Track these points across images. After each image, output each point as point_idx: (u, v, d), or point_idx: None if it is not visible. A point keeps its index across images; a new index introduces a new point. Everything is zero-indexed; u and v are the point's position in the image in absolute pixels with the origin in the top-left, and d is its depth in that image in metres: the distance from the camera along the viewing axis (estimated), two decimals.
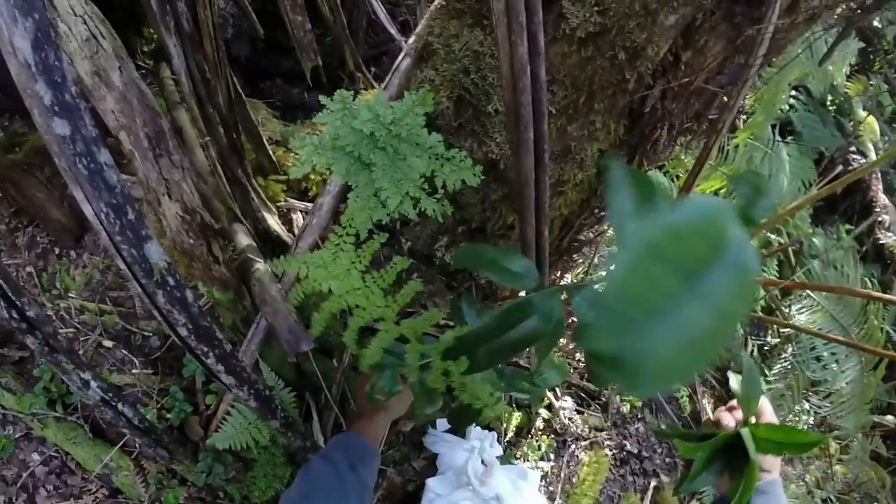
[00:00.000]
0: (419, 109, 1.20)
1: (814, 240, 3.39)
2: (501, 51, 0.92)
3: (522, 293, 0.95)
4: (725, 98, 1.30)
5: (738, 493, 1.05)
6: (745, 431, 1.09)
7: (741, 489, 1.05)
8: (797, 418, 3.19)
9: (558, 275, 1.65)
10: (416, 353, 0.99)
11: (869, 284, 3.71)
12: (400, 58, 1.47)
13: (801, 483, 3.35)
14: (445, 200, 1.18)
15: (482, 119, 1.23)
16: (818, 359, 2.49)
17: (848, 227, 4.14)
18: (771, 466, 1.14)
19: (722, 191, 2.22)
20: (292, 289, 1.07)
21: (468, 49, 1.20)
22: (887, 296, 2.11)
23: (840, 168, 4.17)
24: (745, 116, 2.24)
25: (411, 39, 1.47)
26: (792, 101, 4.42)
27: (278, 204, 1.67)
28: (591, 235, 1.48)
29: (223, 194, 1.45)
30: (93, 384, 1.31)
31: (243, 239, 1.49)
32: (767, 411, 1.19)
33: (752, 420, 1.14)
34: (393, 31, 2.19)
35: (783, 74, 2.11)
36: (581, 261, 1.59)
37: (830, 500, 3.50)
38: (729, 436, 1.12)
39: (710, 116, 1.30)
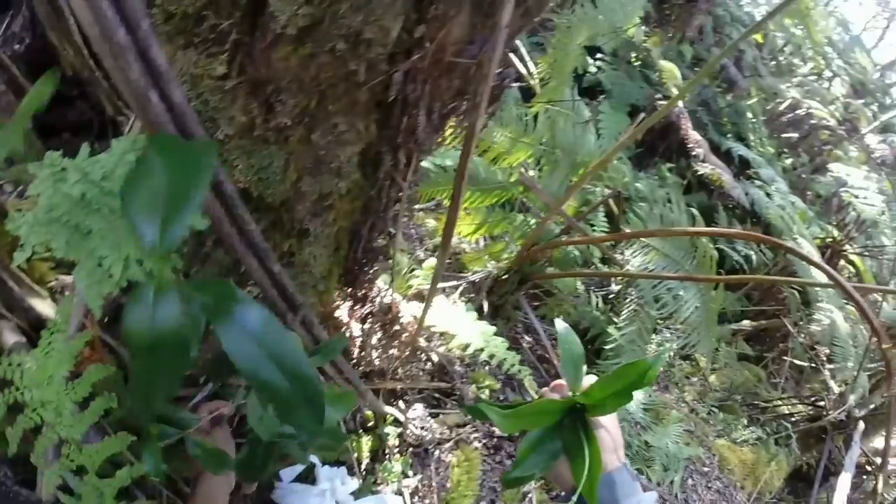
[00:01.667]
0: (131, 156, 0.96)
1: (637, 184, 3.40)
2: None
3: None
4: (479, 69, 1.13)
5: (584, 477, 0.87)
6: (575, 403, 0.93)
7: (587, 471, 0.87)
8: (661, 347, 3.20)
9: (362, 289, 1.46)
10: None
11: (695, 213, 3.79)
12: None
13: (682, 404, 3.36)
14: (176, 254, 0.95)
15: (217, 144, 1.01)
16: (664, 293, 2.44)
17: (669, 165, 4.24)
18: (612, 451, 0.95)
19: (529, 160, 2.11)
20: None
21: (185, 73, 0.98)
22: (701, 229, 2.06)
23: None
24: (541, 83, 2.14)
25: None
26: (598, 62, 4.47)
27: (50, 284, 1.38)
28: (383, 241, 1.30)
29: None
30: None
31: (9, 337, 1.19)
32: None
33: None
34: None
35: (571, 36, 2.00)
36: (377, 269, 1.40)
37: (713, 410, 3.54)
38: (558, 409, 0.94)
39: (476, 91, 1.13)
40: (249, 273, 0.96)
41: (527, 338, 2.42)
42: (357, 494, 1.42)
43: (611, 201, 2.39)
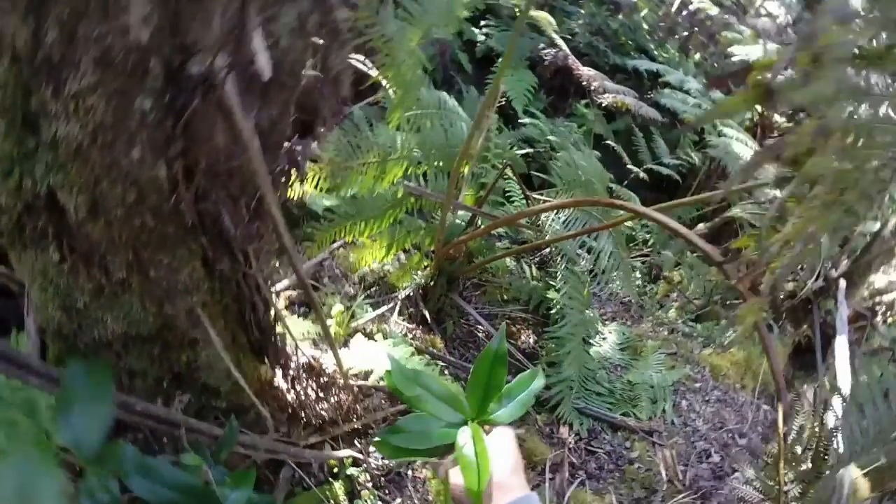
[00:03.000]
0: None
1: (550, 137, 3.52)
2: None
3: None
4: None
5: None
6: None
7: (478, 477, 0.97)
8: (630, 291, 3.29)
9: (281, 357, 1.60)
10: None
11: (614, 145, 3.90)
12: None
13: (660, 328, 3.47)
14: None
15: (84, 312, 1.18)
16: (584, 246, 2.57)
17: (584, 101, 4.34)
18: (513, 472, 0.98)
19: (410, 171, 2.19)
20: None
21: (35, 270, 1.16)
22: (613, 201, 2.15)
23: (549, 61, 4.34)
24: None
25: None
26: (485, 29, 4.55)
27: None
28: (272, 314, 1.45)
29: None
30: None
31: None
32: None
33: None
34: None
35: (398, 44, 2.00)
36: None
37: (690, 324, 3.64)
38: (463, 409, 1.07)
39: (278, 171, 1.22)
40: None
41: (480, 327, 2.56)
42: None
43: (509, 172, 2.49)
